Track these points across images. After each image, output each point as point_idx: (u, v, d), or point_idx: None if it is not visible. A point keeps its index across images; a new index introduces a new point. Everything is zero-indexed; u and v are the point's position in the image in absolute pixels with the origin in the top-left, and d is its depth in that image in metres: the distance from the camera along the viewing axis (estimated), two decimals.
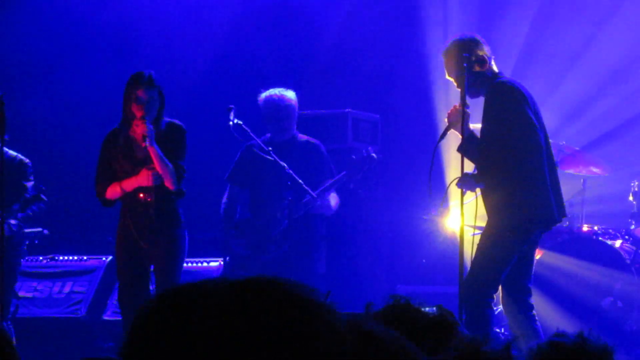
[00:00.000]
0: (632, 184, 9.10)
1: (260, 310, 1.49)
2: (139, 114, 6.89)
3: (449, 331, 2.38)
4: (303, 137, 8.95)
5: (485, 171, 6.70)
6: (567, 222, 8.91)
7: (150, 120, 6.92)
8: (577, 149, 9.15)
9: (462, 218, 6.58)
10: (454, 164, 7.04)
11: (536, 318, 6.83)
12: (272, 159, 8.47)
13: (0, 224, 6.99)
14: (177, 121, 7.14)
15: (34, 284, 9.26)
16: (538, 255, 7.20)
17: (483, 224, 6.90)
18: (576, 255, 8.80)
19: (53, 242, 9.31)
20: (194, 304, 1.50)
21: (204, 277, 9.18)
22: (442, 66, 6.96)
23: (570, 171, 9.02)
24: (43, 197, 7.83)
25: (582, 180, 9.16)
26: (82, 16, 10.80)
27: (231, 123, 8.44)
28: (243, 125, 8.48)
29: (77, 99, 10.66)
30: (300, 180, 8.46)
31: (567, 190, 8.48)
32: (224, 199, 8.98)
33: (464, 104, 6.63)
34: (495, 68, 6.83)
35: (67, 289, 9.23)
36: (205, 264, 9.25)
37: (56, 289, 9.24)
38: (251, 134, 8.55)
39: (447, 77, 6.90)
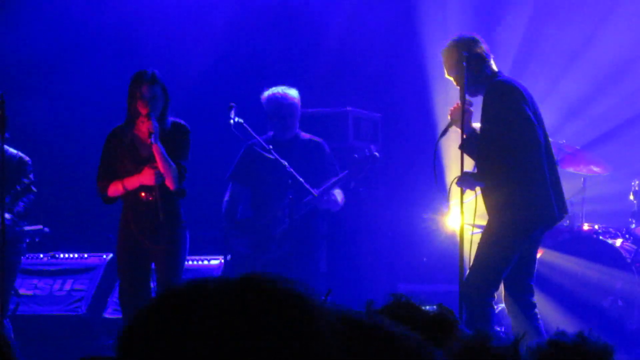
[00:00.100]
0: (633, 183, 9.10)
1: (259, 310, 1.49)
2: (144, 111, 6.91)
3: (449, 329, 2.38)
4: (306, 135, 8.94)
5: (485, 170, 6.71)
6: (568, 221, 8.92)
7: (154, 117, 6.93)
8: (578, 147, 9.15)
9: (462, 217, 6.58)
10: (455, 163, 7.04)
11: (538, 317, 6.84)
12: (273, 157, 8.47)
13: (1, 222, 7.00)
14: (181, 121, 7.16)
15: (35, 281, 9.26)
16: (539, 254, 7.19)
17: (483, 222, 6.91)
18: (577, 254, 8.80)
19: (54, 239, 9.30)
20: (193, 304, 1.50)
21: (205, 275, 9.20)
22: (442, 65, 6.96)
23: (571, 170, 9.01)
24: (33, 188, 7.80)
25: (582, 179, 9.16)
26: (83, 15, 10.80)
27: (232, 121, 8.43)
28: (244, 124, 8.48)
29: (78, 97, 10.67)
30: (301, 179, 8.45)
31: (568, 189, 8.48)
32: (226, 197, 8.98)
33: (464, 102, 6.64)
34: (494, 67, 6.84)
35: (67, 287, 9.23)
36: (206, 262, 9.26)
37: (57, 286, 9.25)
38: (252, 132, 8.54)
39: (447, 76, 6.92)
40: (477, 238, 6.85)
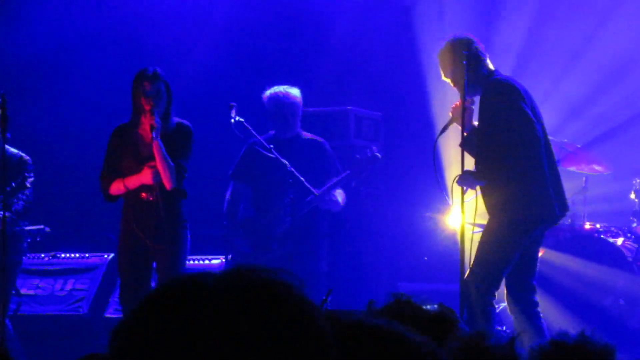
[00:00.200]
0: (634, 182, 9.09)
1: (260, 309, 1.48)
2: (147, 106, 6.93)
3: (450, 329, 2.38)
4: (307, 135, 8.94)
5: (485, 169, 6.70)
6: (569, 220, 8.91)
7: (158, 114, 6.94)
8: (579, 146, 9.15)
9: (462, 216, 6.58)
10: (455, 162, 7.04)
11: (541, 315, 6.84)
12: (274, 156, 8.46)
13: (3, 221, 6.99)
14: (185, 122, 7.17)
15: (36, 281, 9.26)
16: (540, 253, 7.19)
17: (484, 221, 6.91)
18: (578, 254, 8.79)
19: (55, 239, 9.30)
20: (192, 301, 1.49)
21: None
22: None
23: (572, 169, 9.01)
24: (27, 184, 7.77)
25: (584, 178, 9.15)
26: (85, 15, 10.79)
27: (233, 120, 8.43)
28: (244, 123, 8.48)
29: (79, 98, 10.66)
30: (302, 178, 8.45)
31: (569, 188, 8.47)
32: (227, 196, 8.99)
33: (464, 100, 6.64)
34: (490, 66, 6.84)
35: (69, 287, 9.23)
36: (207, 262, 9.25)
37: (58, 286, 9.24)
38: (252, 131, 8.54)
39: (443, 78, 6.92)
40: (478, 237, 6.85)
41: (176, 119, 7.14)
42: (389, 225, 10.20)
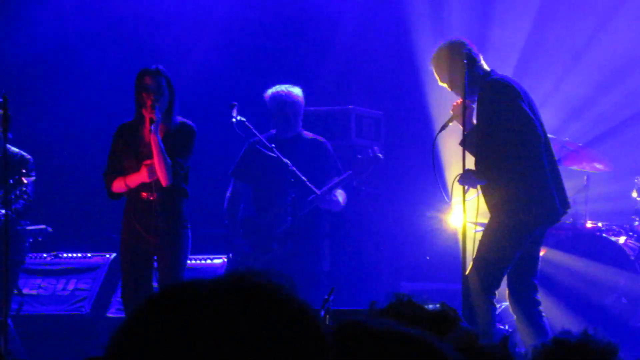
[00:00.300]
0: (636, 180, 9.09)
1: (259, 310, 1.48)
2: (148, 101, 6.94)
3: (451, 328, 2.38)
4: (309, 134, 8.94)
5: (486, 168, 6.70)
6: (571, 219, 8.91)
7: (160, 110, 6.95)
8: (580, 144, 9.14)
9: (464, 215, 6.58)
10: (456, 161, 7.03)
11: (543, 314, 6.84)
12: (276, 155, 8.47)
13: (5, 221, 7.00)
14: (189, 121, 7.18)
15: (38, 281, 9.26)
16: (542, 252, 7.19)
17: (485, 220, 6.91)
18: (580, 252, 8.79)
19: (57, 239, 9.31)
20: (190, 303, 1.49)
21: (208, 273, 9.20)
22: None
23: (574, 167, 9.00)
24: (25, 180, 7.74)
25: (585, 176, 9.14)
26: (87, 15, 10.79)
27: (234, 120, 8.44)
28: (246, 122, 8.48)
29: (81, 98, 10.66)
30: (304, 178, 8.45)
31: (571, 187, 8.47)
32: (228, 195, 8.99)
33: (465, 99, 6.63)
34: (485, 66, 6.84)
35: (71, 286, 9.23)
36: (209, 261, 9.25)
37: (60, 286, 9.25)
38: (254, 130, 8.54)
39: (440, 83, 6.92)
40: (479, 236, 6.85)
41: (180, 119, 7.15)
42: (390, 224, 10.20)
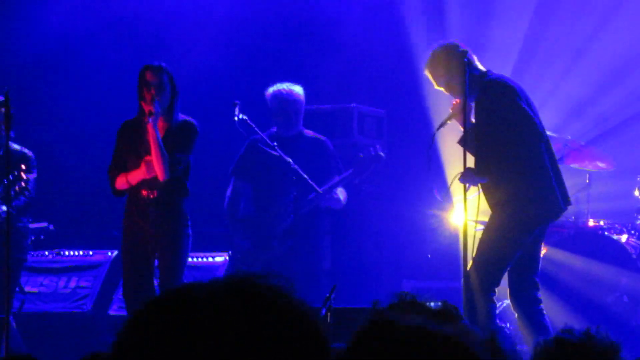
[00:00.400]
0: (638, 179, 9.08)
1: (260, 311, 1.48)
2: (148, 96, 6.94)
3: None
4: (310, 133, 8.94)
5: (486, 167, 6.70)
6: (573, 217, 8.91)
7: (161, 107, 6.95)
8: (583, 143, 9.13)
9: (465, 213, 6.58)
10: (457, 159, 7.03)
11: (544, 312, 6.83)
12: (278, 154, 8.47)
13: (7, 219, 6.99)
14: (191, 119, 7.17)
15: (40, 279, 9.26)
16: (544, 251, 7.19)
17: (486, 218, 6.90)
18: (582, 251, 8.78)
19: (58, 237, 9.31)
20: (191, 305, 1.49)
21: (209, 272, 9.18)
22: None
23: (575, 166, 9.00)
24: (24, 176, 7.73)
25: (587, 175, 9.14)
26: (88, 14, 10.79)
27: (236, 118, 8.44)
28: (248, 121, 8.48)
29: (82, 96, 10.67)
30: (305, 176, 8.45)
31: (573, 185, 8.47)
32: (228, 193, 8.99)
33: (465, 98, 6.62)
34: (480, 66, 6.82)
35: (72, 284, 9.23)
36: (210, 259, 9.25)
37: (62, 283, 9.25)
38: (256, 129, 8.54)
39: (437, 87, 6.91)
40: (480, 235, 6.85)
41: (182, 116, 7.15)
42: (391, 222, 10.20)
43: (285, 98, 8.81)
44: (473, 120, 6.80)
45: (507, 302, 7.28)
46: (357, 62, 10.83)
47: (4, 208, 7.35)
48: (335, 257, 9.27)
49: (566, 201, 6.85)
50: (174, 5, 10.98)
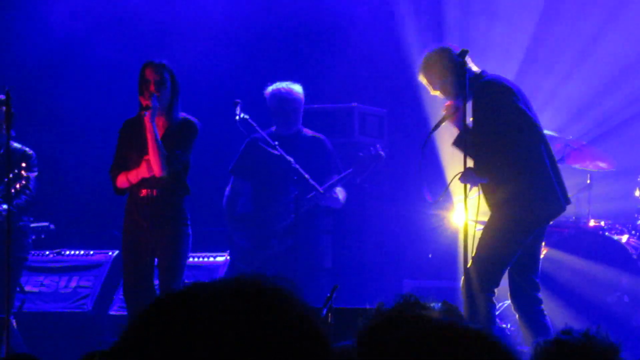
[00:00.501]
0: (639, 179, 9.08)
1: (263, 312, 1.48)
2: (146, 91, 6.95)
3: None
4: (309, 131, 8.95)
5: (486, 168, 6.69)
6: (574, 217, 8.91)
7: (162, 105, 6.95)
8: (584, 143, 9.13)
9: (466, 213, 6.58)
10: (455, 160, 7.03)
11: (545, 313, 6.83)
12: (279, 153, 8.47)
13: (7, 217, 7.00)
14: (192, 117, 7.17)
15: (41, 278, 9.26)
16: (544, 251, 7.19)
17: (486, 219, 6.90)
18: (582, 251, 8.78)
19: (59, 236, 9.31)
20: (192, 306, 1.49)
21: (210, 271, 9.16)
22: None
23: (577, 166, 9.00)
24: (24, 174, 7.73)
25: (588, 175, 9.14)
26: (89, 14, 10.79)
27: (238, 117, 8.44)
28: (249, 120, 8.49)
29: (83, 95, 10.67)
30: (307, 175, 8.45)
31: (574, 185, 8.47)
32: (227, 191, 9.00)
33: (466, 100, 6.61)
34: (475, 68, 6.80)
35: (73, 284, 9.23)
36: (211, 259, 9.25)
37: (62, 283, 9.25)
38: (257, 128, 8.55)
39: (433, 92, 6.90)
40: (480, 234, 6.86)
41: (183, 114, 7.15)
42: (393, 222, 10.20)
43: (284, 97, 8.81)
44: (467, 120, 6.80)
45: (508, 302, 7.28)
46: (359, 61, 10.83)
47: (5, 206, 7.35)
48: (336, 257, 9.27)
49: (566, 200, 6.86)
50: (175, 5, 10.97)
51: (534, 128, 6.65)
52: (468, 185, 6.67)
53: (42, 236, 8.76)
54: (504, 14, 10.36)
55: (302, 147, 8.80)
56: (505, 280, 6.88)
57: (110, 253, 9.41)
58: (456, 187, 7.03)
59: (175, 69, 7.13)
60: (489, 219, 6.83)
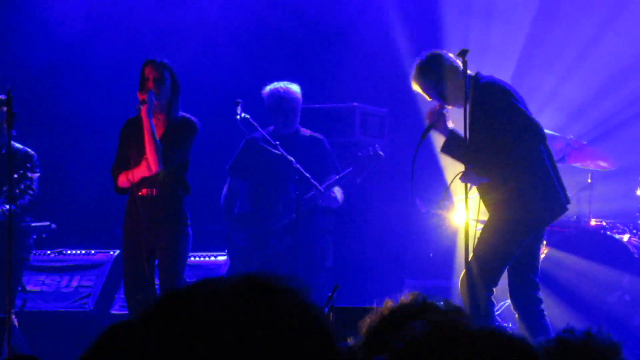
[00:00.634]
0: None
1: (267, 311, 1.49)
2: (145, 89, 6.97)
3: None
4: (306, 131, 8.95)
5: (487, 168, 6.69)
6: (575, 217, 8.91)
7: (160, 102, 6.95)
8: (585, 142, 9.14)
9: (467, 212, 6.59)
10: (454, 160, 7.03)
11: (545, 312, 6.84)
12: (280, 152, 8.47)
13: (9, 217, 7.00)
14: (191, 116, 7.18)
15: (42, 277, 9.27)
16: (545, 251, 7.20)
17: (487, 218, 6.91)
18: (584, 250, 8.78)
19: (61, 236, 9.31)
20: (196, 305, 1.50)
21: (211, 270, 9.16)
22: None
23: (578, 165, 9.00)
24: (29, 174, 7.72)
25: (589, 174, 9.14)
26: (90, 13, 10.80)
27: (238, 117, 8.44)
28: (250, 119, 8.49)
29: (84, 95, 10.67)
30: (307, 175, 8.46)
31: (575, 185, 8.47)
32: (224, 190, 9.00)
33: (467, 103, 6.60)
34: (469, 71, 6.79)
35: (74, 283, 9.24)
36: (212, 258, 9.26)
37: (64, 282, 9.25)
38: (258, 127, 8.55)
39: (429, 99, 6.89)
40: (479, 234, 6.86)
41: (182, 113, 7.16)
42: (394, 221, 10.20)
43: (282, 96, 8.81)
44: (450, 126, 6.81)
45: (508, 302, 7.29)
46: (360, 61, 10.83)
47: (7, 207, 7.35)
48: (337, 256, 9.27)
49: (567, 200, 6.86)
50: (175, 5, 10.97)
51: (534, 128, 6.65)
52: (468, 185, 6.68)
53: (44, 236, 8.77)
54: (503, 14, 10.36)
55: (301, 146, 8.81)
56: (505, 280, 6.89)
57: (111, 252, 9.42)
58: (457, 187, 7.03)
59: (175, 69, 7.13)
60: (488, 219, 6.84)
